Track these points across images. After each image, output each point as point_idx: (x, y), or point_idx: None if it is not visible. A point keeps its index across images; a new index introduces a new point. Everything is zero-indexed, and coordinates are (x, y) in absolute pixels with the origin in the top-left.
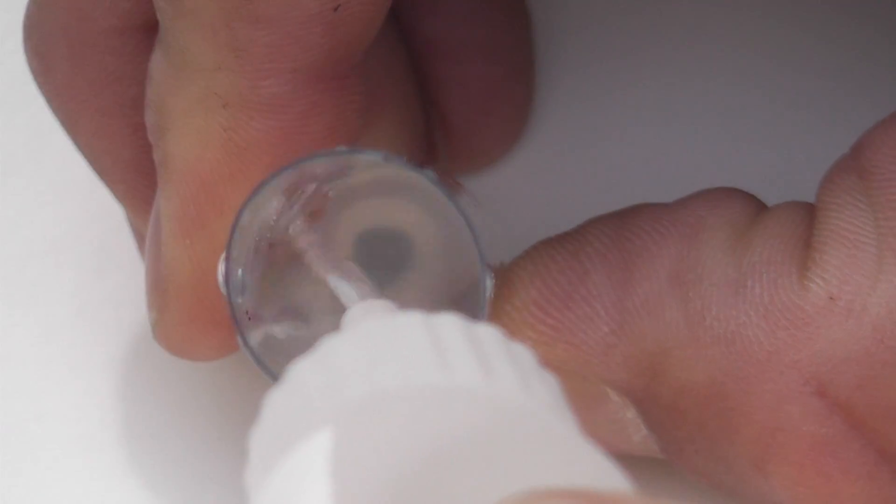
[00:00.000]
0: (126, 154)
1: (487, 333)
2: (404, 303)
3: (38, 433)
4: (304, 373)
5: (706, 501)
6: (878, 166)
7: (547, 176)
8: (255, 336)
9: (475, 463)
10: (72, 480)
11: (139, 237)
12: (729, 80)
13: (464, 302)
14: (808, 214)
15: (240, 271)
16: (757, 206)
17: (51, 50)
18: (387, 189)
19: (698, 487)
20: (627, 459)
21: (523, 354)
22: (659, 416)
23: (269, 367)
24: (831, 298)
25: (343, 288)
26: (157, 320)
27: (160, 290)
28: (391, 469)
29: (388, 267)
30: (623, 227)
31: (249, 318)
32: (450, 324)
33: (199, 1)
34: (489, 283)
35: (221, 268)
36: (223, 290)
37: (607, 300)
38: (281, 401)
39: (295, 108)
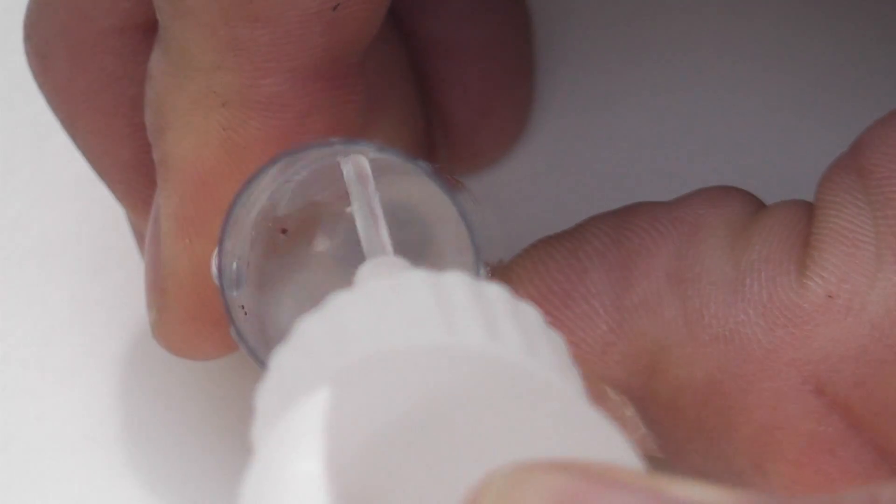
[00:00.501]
0: (126, 154)
1: (495, 292)
2: None
3: (38, 433)
4: (310, 330)
5: None
6: (877, 165)
7: (547, 176)
8: (251, 329)
9: (474, 424)
10: (72, 480)
11: (139, 237)
12: (729, 80)
13: None
14: (806, 213)
15: (234, 265)
16: (756, 205)
17: (51, 50)
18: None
19: None
20: None
21: (530, 314)
22: (657, 414)
23: (264, 359)
24: (830, 297)
25: (369, 234)
26: (157, 320)
27: (160, 289)
28: (386, 428)
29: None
30: (622, 225)
31: (245, 313)
32: (457, 282)
33: (199, 0)
34: (483, 274)
35: (215, 261)
36: (216, 282)
37: (606, 298)
38: (286, 357)
39: (294, 107)
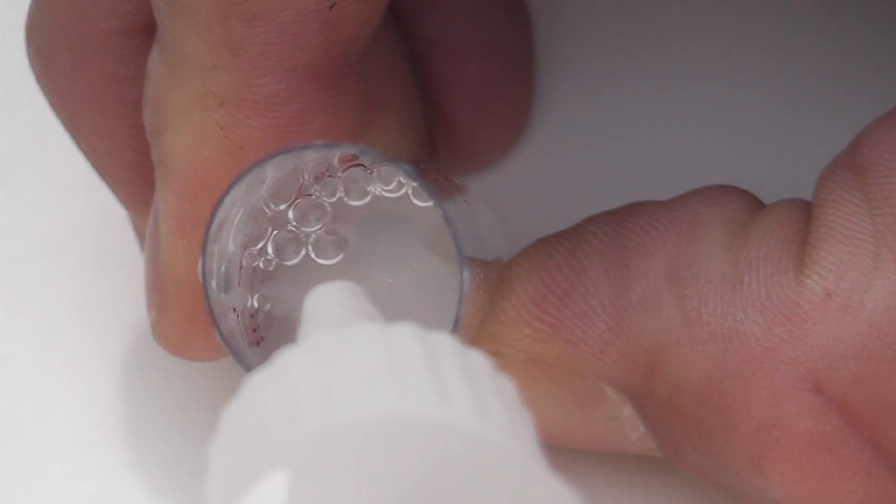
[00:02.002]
0: (127, 155)
1: (443, 344)
2: (391, 298)
3: (38, 433)
4: (260, 390)
5: (703, 499)
6: (875, 163)
7: (547, 176)
8: (240, 331)
9: (427, 501)
10: (72, 480)
11: (141, 237)
12: (728, 80)
13: (446, 295)
14: (804, 211)
15: (223, 267)
16: (754, 204)
17: (52, 51)
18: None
19: (695, 485)
20: (625, 458)
21: (479, 364)
22: (656, 413)
23: (248, 361)
24: (828, 295)
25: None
26: (157, 320)
27: (159, 289)
28: None
29: (379, 257)
30: (620, 224)
31: (238, 315)
32: (405, 338)
33: None
34: (466, 277)
35: (201, 261)
36: (201, 282)
37: (604, 297)
38: (238, 419)
39: (291, 106)
